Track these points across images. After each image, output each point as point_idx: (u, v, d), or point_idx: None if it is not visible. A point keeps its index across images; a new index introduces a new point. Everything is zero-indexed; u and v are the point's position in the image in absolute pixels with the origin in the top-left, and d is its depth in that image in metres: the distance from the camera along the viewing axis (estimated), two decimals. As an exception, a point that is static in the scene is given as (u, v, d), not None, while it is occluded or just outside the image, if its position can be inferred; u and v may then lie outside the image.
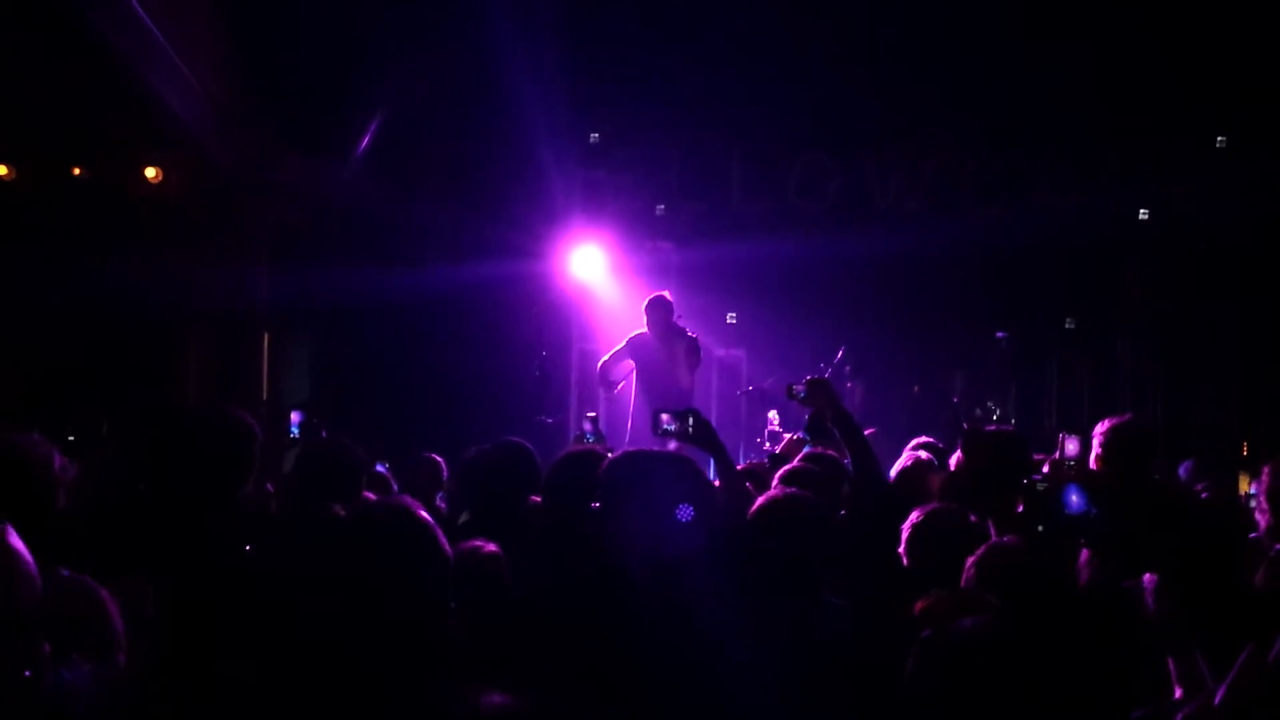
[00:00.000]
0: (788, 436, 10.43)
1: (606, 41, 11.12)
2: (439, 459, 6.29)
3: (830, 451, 5.17)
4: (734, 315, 12.44)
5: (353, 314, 11.05)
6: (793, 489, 3.55)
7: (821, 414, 4.87)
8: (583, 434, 6.83)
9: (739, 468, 4.94)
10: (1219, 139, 11.23)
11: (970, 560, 2.89)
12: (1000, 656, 2.10)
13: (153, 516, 2.88)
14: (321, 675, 2.16)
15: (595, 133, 11.93)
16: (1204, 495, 5.54)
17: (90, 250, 9.67)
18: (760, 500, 3.55)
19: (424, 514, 2.39)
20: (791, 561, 3.27)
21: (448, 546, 2.40)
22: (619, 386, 9.69)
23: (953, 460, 4.33)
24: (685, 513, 2.95)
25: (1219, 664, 2.27)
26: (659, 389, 9.06)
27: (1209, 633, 2.30)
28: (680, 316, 9.49)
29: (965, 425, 4.58)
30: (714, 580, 3.08)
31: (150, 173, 9.90)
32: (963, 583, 2.91)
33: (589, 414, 7.45)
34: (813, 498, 3.55)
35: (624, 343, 9.48)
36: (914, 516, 3.50)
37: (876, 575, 3.52)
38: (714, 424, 4.39)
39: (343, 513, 3.12)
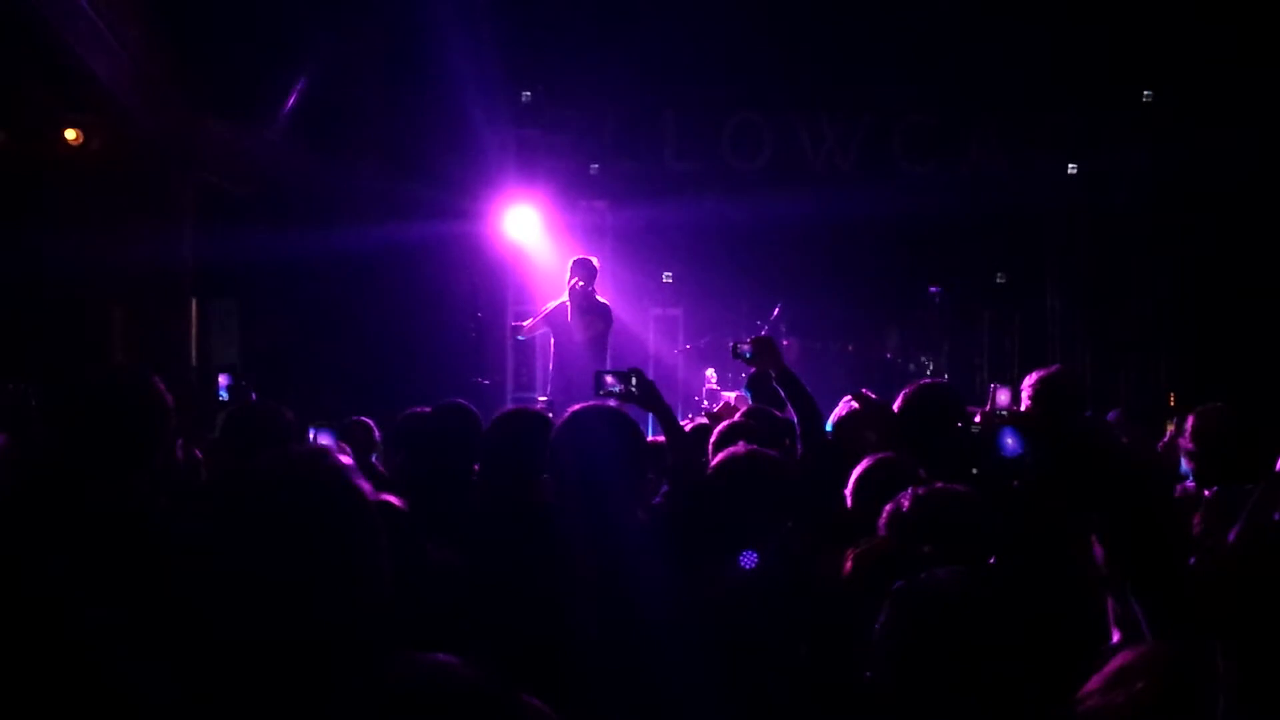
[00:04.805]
0: (725, 395, 10.49)
1: (538, -1, 11.00)
2: (370, 421, 6.23)
3: (772, 409, 5.18)
4: (670, 275, 12.45)
5: (282, 277, 10.88)
6: (753, 445, 3.55)
7: (765, 373, 4.87)
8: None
9: (685, 427, 4.92)
10: (1145, 93, 11.35)
11: (891, 506, 2.91)
12: (976, 606, 2.11)
13: (66, 484, 2.79)
14: (242, 637, 2.05)
15: (527, 91, 11.82)
16: (1127, 442, 5.64)
17: (9, 216, 9.43)
18: (720, 457, 3.53)
19: (340, 459, 2.21)
20: (753, 517, 3.27)
21: (368, 489, 2.21)
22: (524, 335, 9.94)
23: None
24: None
25: (1153, 608, 2.29)
26: (568, 351, 9.17)
27: (1142, 576, 2.33)
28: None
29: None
30: (660, 546, 3.07)
31: (70, 135, 9.65)
32: (883, 527, 2.92)
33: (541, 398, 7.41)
34: (775, 454, 3.55)
35: (542, 315, 9.54)
36: (865, 463, 3.51)
37: (821, 527, 3.53)
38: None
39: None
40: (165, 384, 3.05)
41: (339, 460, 2.12)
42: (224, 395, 4.92)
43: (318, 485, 2.05)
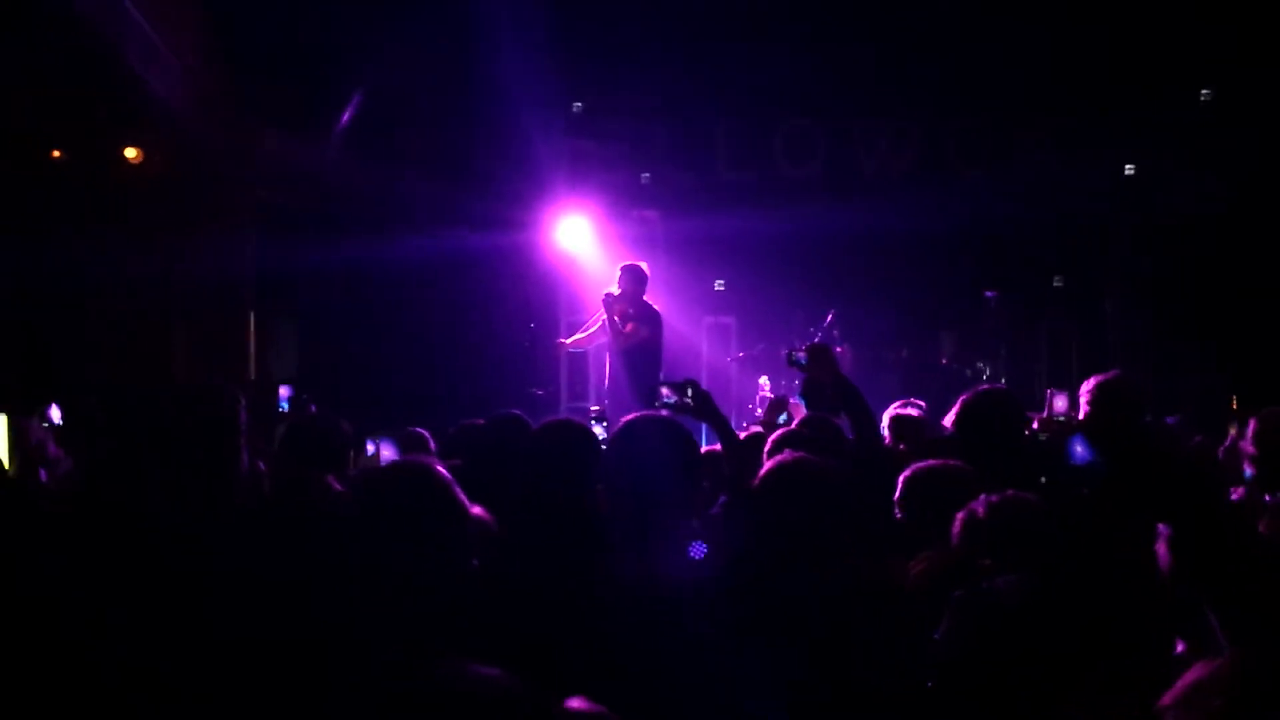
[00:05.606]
0: (767, 394, 10.45)
1: (590, 9, 11.02)
2: (425, 433, 6.25)
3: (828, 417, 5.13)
4: (722, 282, 12.44)
5: (340, 289, 10.99)
6: (800, 453, 3.52)
7: (819, 381, 4.82)
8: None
9: (740, 436, 4.88)
10: (1203, 92, 11.20)
11: (965, 514, 2.87)
12: (1038, 614, 2.09)
13: (131, 494, 2.83)
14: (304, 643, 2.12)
15: (578, 102, 11.86)
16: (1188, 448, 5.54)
17: (73, 234, 9.59)
18: (769, 464, 3.51)
19: (441, 470, 2.39)
20: (802, 525, 3.23)
21: (466, 501, 2.39)
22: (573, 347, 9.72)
23: (947, 420, 4.30)
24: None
25: (1229, 615, 2.25)
26: (612, 360, 9.02)
27: (1215, 584, 2.28)
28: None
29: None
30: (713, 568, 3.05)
31: (131, 153, 9.82)
32: (956, 538, 2.88)
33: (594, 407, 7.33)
34: (824, 461, 3.51)
35: (597, 325, 9.43)
36: (911, 469, 3.46)
37: (875, 534, 3.50)
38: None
39: (336, 484, 3.07)
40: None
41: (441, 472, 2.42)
42: (284, 407, 4.97)
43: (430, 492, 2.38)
